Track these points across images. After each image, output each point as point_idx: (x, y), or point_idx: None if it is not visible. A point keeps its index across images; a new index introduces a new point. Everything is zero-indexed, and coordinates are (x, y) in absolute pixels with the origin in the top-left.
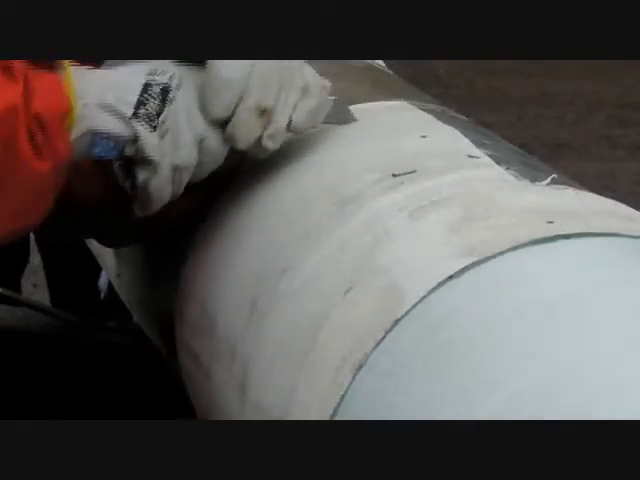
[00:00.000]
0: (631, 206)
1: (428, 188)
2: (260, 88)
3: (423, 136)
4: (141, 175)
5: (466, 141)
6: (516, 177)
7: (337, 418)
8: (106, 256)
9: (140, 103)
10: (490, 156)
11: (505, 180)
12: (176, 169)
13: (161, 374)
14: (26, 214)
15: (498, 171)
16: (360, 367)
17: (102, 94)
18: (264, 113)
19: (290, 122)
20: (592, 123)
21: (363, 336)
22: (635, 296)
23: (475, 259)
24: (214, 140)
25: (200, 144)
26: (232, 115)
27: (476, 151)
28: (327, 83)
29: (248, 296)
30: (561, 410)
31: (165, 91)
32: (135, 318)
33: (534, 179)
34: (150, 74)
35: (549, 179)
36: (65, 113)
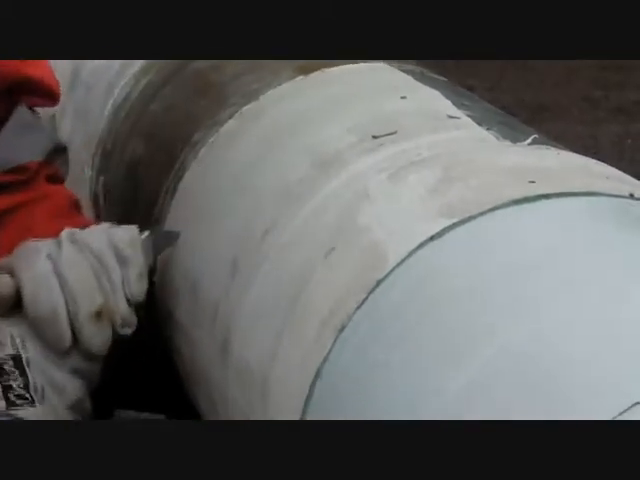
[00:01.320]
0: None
1: (408, 149)
2: (81, 295)
3: (403, 97)
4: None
5: (446, 102)
6: (497, 138)
7: (320, 378)
8: None
9: (5, 388)
10: (470, 117)
11: (486, 140)
12: (72, 406)
13: (144, 342)
14: None
15: (479, 132)
16: (343, 328)
17: None
18: (101, 313)
19: (129, 299)
20: (573, 85)
21: (345, 296)
22: (617, 254)
23: (456, 219)
24: (81, 362)
25: (74, 372)
26: (77, 335)
27: (456, 112)
28: (133, 230)
29: (229, 258)
30: (547, 366)
31: (17, 361)
32: None
33: (515, 140)
34: None
35: (530, 139)
36: None
